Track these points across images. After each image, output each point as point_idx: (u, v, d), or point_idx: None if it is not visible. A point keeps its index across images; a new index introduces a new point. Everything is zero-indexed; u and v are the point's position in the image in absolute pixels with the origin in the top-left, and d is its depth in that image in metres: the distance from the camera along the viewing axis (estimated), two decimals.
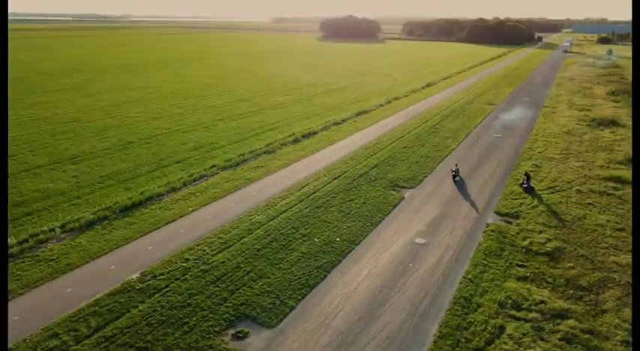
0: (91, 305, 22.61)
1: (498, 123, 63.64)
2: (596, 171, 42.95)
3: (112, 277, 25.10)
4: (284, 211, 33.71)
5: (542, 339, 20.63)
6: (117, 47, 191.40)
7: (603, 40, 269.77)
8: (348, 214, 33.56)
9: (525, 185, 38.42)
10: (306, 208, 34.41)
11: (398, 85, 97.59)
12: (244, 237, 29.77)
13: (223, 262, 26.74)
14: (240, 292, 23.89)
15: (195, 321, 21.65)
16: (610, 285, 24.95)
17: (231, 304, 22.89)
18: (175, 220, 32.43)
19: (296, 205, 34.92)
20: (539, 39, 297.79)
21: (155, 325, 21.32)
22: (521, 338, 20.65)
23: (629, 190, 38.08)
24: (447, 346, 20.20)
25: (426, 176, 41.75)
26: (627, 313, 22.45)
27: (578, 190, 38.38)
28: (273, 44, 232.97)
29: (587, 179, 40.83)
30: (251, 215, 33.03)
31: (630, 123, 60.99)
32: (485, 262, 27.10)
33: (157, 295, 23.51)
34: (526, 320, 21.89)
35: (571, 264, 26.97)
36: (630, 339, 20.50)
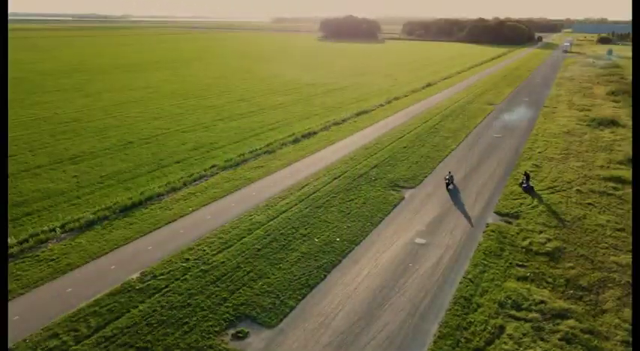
0: (91, 305, 22.61)
1: (498, 123, 63.63)
2: (596, 171, 42.94)
3: (112, 277, 25.10)
4: (284, 211, 33.71)
5: (542, 339, 20.63)
6: (117, 47, 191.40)
7: (603, 40, 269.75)
8: (348, 214, 33.56)
9: (525, 185, 38.42)
10: (306, 208, 34.41)
11: (398, 85, 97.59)
12: (244, 237, 29.77)
13: (223, 262, 26.74)
14: (240, 292, 23.90)
15: (195, 321, 21.65)
16: (610, 285, 24.95)
17: (231, 304, 22.90)
18: (175, 220, 32.43)
19: (296, 205, 34.92)
20: (539, 39, 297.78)
21: (155, 325, 21.32)
22: (521, 338, 20.65)
23: (629, 190, 38.08)
24: (447, 346, 20.20)
25: (426, 176, 41.75)
26: (627, 313, 22.45)
27: (578, 190, 38.37)
28: (273, 44, 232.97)
29: (587, 179, 40.83)
30: (251, 215, 33.03)
31: (630, 123, 60.98)
32: (486, 262, 27.10)
33: (157, 295, 23.51)
34: (526, 320, 21.90)
35: (571, 264, 26.97)
36: (630, 339, 20.50)
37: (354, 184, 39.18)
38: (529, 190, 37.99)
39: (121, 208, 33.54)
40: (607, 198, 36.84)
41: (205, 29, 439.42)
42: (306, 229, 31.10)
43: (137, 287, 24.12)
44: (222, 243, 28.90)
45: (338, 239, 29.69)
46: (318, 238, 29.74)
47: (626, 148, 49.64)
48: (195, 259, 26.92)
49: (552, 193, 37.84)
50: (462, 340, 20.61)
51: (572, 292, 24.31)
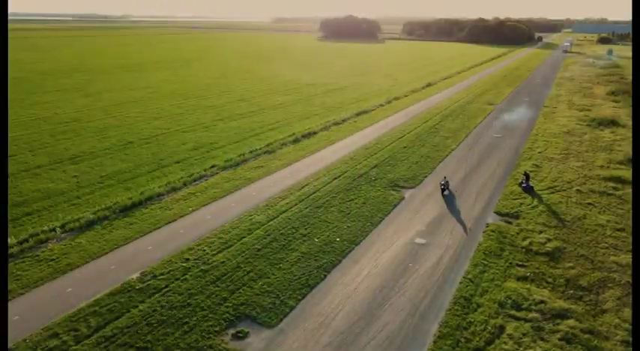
0: (91, 305, 22.61)
1: (498, 123, 63.63)
2: (596, 171, 42.94)
3: (112, 277, 25.10)
4: (284, 211, 33.71)
5: (542, 339, 20.64)
6: (117, 47, 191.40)
7: (603, 40, 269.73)
8: (348, 214, 33.56)
9: (524, 185, 38.43)
10: (306, 208, 34.41)
11: (398, 85, 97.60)
12: (244, 237, 29.77)
13: (223, 262, 26.74)
14: (240, 292, 23.90)
15: (195, 321, 21.65)
16: (610, 285, 24.95)
17: (231, 304, 22.90)
18: (175, 220, 32.44)
19: (296, 205, 34.92)
20: (539, 39, 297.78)
21: (155, 325, 21.33)
22: (521, 338, 20.65)
23: (629, 190, 38.07)
24: (447, 346, 20.20)
25: (426, 176, 41.75)
26: (627, 312, 22.45)
27: (578, 190, 38.37)
28: (273, 44, 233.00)
29: (587, 179, 40.83)
30: (251, 215, 33.03)
31: (630, 123, 60.97)
32: (486, 262, 27.10)
33: (157, 295, 23.52)
34: (526, 320, 21.90)
35: (571, 264, 26.97)
36: (630, 339, 20.50)
37: (354, 184, 39.19)
38: (529, 189, 37.99)
39: (121, 208, 33.54)
40: (607, 198, 36.85)
41: (205, 29, 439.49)
42: (306, 229, 31.10)
43: (137, 287, 24.12)
44: (222, 243, 28.90)
45: (338, 239, 29.70)
46: (318, 238, 29.74)
47: (626, 148, 49.64)
48: (195, 259, 26.92)
49: (552, 193, 37.84)
50: (462, 340, 20.61)
51: (572, 292, 24.31)
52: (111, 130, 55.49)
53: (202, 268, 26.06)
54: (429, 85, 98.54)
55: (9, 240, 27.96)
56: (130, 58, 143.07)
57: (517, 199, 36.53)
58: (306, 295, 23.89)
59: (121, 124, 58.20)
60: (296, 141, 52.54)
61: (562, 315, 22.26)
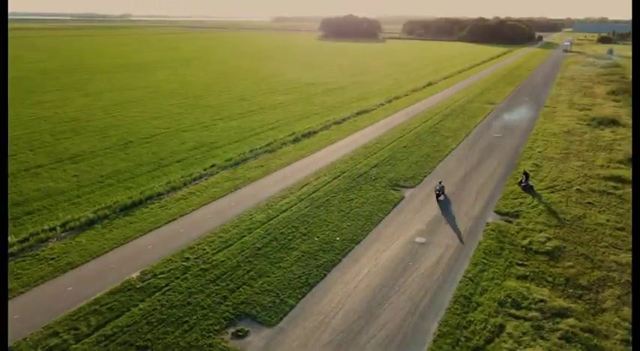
0: (92, 304, 22.64)
1: (499, 122, 63.63)
2: (596, 170, 42.95)
3: (113, 276, 25.13)
4: (284, 211, 33.73)
5: (541, 338, 20.66)
6: (116, 47, 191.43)
7: (604, 40, 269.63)
8: (348, 213, 33.58)
9: (524, 184, 38.47)
10: (307, 207, 34.43)
11: (398, 84, 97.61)
12: (244, 236, 29.80)
13: (223, 261, 26.77)
14: (240, 291, 23.93)
15: (196, 320, 21.68)
16: (610, 284, 24.97)
17: (231, 303, 22.92)
18: (175, 219, 32.47)
19: (296, 204, 34.95)
20: (540, 38, 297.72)
21: (155, 323, 21.35)
22: (520, 337, 20.68)
23: (629, 189, 38.09)
24: (447, 344, 20.23)
25: (426, 176, 41.76)
26: (627, 311, 22.47)
27: (578, 189, 38.39)
28: (273, 44, 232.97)
29: (587, 178, 40.84)
30: (251, 214, 33.06)
31: (630, 122, 60.96)
32: (485, 261, 27.12)
33: (157, 294, 23.55)
34: (526, 319, 21.92)
35: (571, 263, 26.99)
36: (630, 338, 20.53)
37: (354, 184, 39.21)
38: (528, 188, 38.02)
39: (121, 207, 33.57)
40: (607, 197, 36.86)
41: (205, 29, 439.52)
42: (306, 228, 31.12)
43: (137, 286, 24.15)
44: (223, 242, 28.93)
45: (338, 238, 29.72)
46: (318, 237, 29.77)
47: (627, 148, 49.63)
48: (195, 258, 26.96)
49: (552, 192, 37.86)
50: (462, 338, 20.63)
51: (571, 290, 24.34)
52: (111, 129, 55.53)
53: (202, 267, 26.09)
54: (429, 84, 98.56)
55: (9, 239, 27.98)
56: (130, 58, 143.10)
57: (517, 198, 36.55)
58: (306, 294, 23.92)
59: (121, 124, 58.23)
60: (296, 140, 52.55)
61: (562, 314, 22.28)
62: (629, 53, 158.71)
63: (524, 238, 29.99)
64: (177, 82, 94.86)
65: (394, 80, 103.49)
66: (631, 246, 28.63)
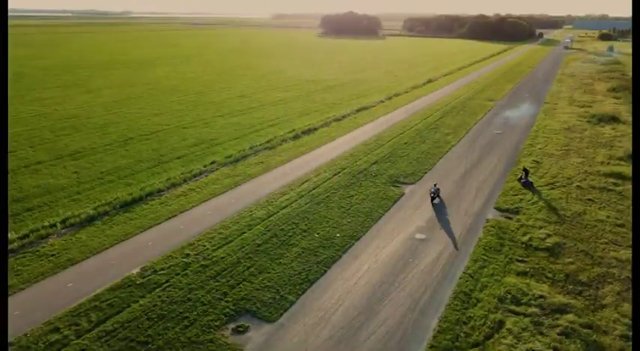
0: (92, 300, 22.67)
1: (499, 119, 63.58)
2: (596, 167, 42.94)
3: (113, 272, 25.15)
4: (284, 207, 33.74)
5: (541, 333, 20.68)
6: (117, 44, 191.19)
7: (604, 37, 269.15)
8: (349, 209, 33.59)
9: (524, 180, 38.49)
10: (307, 203, 34.44)
11: (398, 81, 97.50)
12: (244, 232, 29.81)
13: (224, 257, 26.79)
14: (240, 287, 23.95)
15: (196, 315, 21.71)
16: (609, 280, 25.00)
17: (231, 299, 22.95)
18: (176, 215, 32.49)
19: (296, 200, 34.95)
20: (540, 35, 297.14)
21: (156, 319, 21.39)
22: (520, 333, 20.70)
23: (629, 186, 38.07)
24: (447, 340, 20.25)
25: (426, 172, 41.76)
26: (626, 307, 22.50)
27: (578, 186, 38.39)
28: (274, 41, 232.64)
29: (588, 175, 40.83)
30: (251, 211, 33.07)
31: (631, 119, 60.90)
32: (485, 258, 27.14)
33: (157, 290, 23.57)
34: (525, 315, 21.94)
35: (571, 259, 27.01)
36: (629, 333, 20.56)
37: (354, 180, 39.21)
38: (528, 185, 38.04)
39: (122, 204, 33.59)
40: (607, 194, 36.87)
41: (205, 26, 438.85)
42: (306, 224, 31.14)
43: (138, 282, 24.18)
44: (223, 238, 28.94)
45: (338, 235, 29.74)
46: (318, 234, 29.79)
47: (627, 145, 49.60)
48: (195, 255, 26.98)
49: (552, 189, 37.85)
50: (462, 334, 20.66)
51: (571, 287, 24.36)
52: (111, 126, 55.50)
53: (203, 263, 26.11)
54: (429, 81, 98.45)
55: (9, 235, 28.00)
56: (130, 55, 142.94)
57: (517, 195, 36.56)
58: (306, 290, 23.95)
59: (121, 121, 58.20)
60: (296, 137, 52.53)
61: (561, 310, 22.31)
62: (630, 50, 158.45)
63: (524, 234, 30.01)
64: (178, 78, 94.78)
65: (394, 77, 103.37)
66: (631, 242, 28.65)
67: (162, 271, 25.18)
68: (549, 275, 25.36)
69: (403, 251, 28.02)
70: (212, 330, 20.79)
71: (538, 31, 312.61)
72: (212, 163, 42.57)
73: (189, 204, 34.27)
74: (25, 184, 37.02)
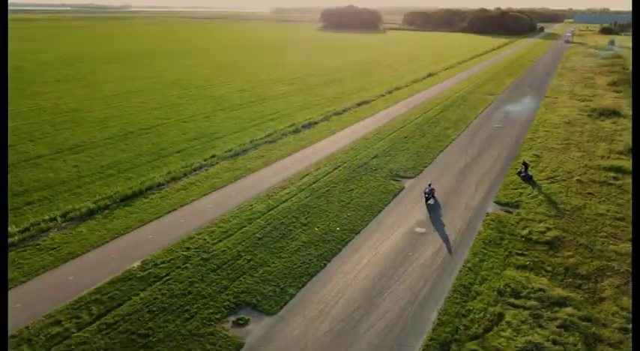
0: (93, 293, 22.75)
1: (499, 113, 63.48)
2: (596, 161, 42.92)
3: (113, 266, 25.22)
4: (284, 201, 33.77)
5: (540, 326, 20.76)
6: (117, 38, 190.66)
7: (605, 31, 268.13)
8: (349, 203, 33.62)
9: (523, 174, 38.50)
10: (307, 197, 34.47)
11: (399, 75, 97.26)
12: (245, 226, 29.86)
13: (224, 250, 26.85)
14: (240, 280, 24.03)
15: (196, 308, 21.80)
16: (609, 273, 25.06)
17: (231, 292, 23.03)
18: (176, 209, 32.53)
19: (296, 194, 34.98)
20: (541, 29, 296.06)
21: (156, 312, 21.48)
22: (519, 325, 20.78)
23: (629, 180, 38.09)
24: (446, 333, 20.34)
25: (426, 166, 41.76)
26: (625, 301, 22.57)
27: (578, 179, 38.39)
28: (274, 34, 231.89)
29: (588, 169, 40.82)
30: (251, 205, 33.10)
31: (631, 113, 60.79)
32: (485, 251, 27.19)
33: (157, 283, 23.65)
34: (525, 308, 22.02)
35: (570, 253, 27.06)
36: (628, 326, 20.64)
37: (354, 174, 39.22)
38: (528, 179, 38.06)
39: (122, 198, 33.63)
40: (607, 188, 36.88)
41: (205, 19, 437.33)
42: (306, 218, 31.18)
43: (138, 275, 24.25)
44: (223, 232, 29.00)
45: (338, 228, 29.79)
46: (318, 228, 29.83)
47: (627, 139, 49.55)
48: (195, 248, 27.04)
49: (552, 182, 37.86)
50: (461, 327, 20.75)
51: (571, 280, 24.43)
52: (111, 120, 55.45)
53: (203, 256, 26.18)
54: (429, 75, 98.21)
55: (10, 229, 28.05)
56: (130, 49, 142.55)
57: (517, 188, 36.57)
58: (306, 284, 24.02)
59: (121, 114, 58.14)
60: (296, 131, 52.49)
61: (561, 303, 22.38)
62: (631, 44, 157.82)
63: (524, 228, 30.04)
64: (178, 72, 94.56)
65: (394, 71, 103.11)
66: (630, 236, 28.70)
67: (162, 265, 25.25)
68: (549, 269, 25.42)
69: (403, 245, 28.08)
70: (212, 323, 20.89)
71: (539, 25, 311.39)
72: (212, 156, 42.57)
73: (189, 198, 34.30)
74: (26, 178, 37.05)
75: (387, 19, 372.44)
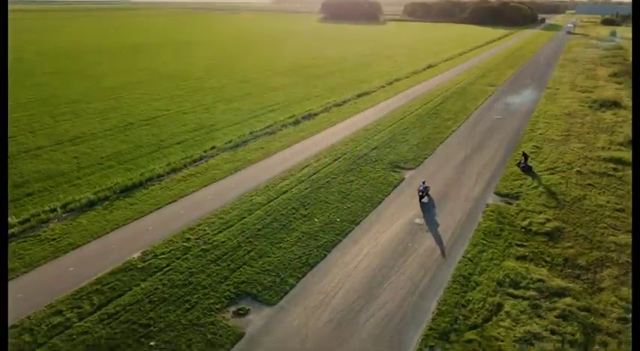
0: (94, 283, 22.84)
1: (500, 105, 63.31)
2: (596, 152, 42.89)
3: (114, 257, 25.29)
4: (284, 192, 33.79)
5: (539, 316, 20.87)
6: (117, 29, 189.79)
7: (607, 22, 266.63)
8: (349, 194, 33.64)
9: (523, 165, 38.50)
10: (307, 189, 34.48)
11: (399, 66, 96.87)
12: (245, 217, 29.90)
13: (224, 241, 26.92)
14: (240, 271, 24.11)
15: (197, 299, 21.89)
16: (608, 264, 25.14)
17: (232, 283, 23.12)
18: (176, 200, 32.56)
19: (296, 186, 34.99)
20: (542, 20, 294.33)
21: (157, 302, 21.58)
22: (518, 315, 20.89)
23: (629, 171, 38.08)
24: (446, 323, 20.45)
25: (426, 158, 41.73)
26: (624, 291, 22.66)
27: (578, 171, 38.38)
28: (274, 26, 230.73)
29: (588, 160, 40.80)
30: (251, 196, 33.12)
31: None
32: (485, 242, 27.25)
33: (158, 274, 23.73)
34: (524, 298, 22.11)
35: (570, 244, 27.12)
36: (626, 316, 20.75)
37: (354, 166, 39.20)
38: (527, 169, 38.06)
39: (122, 189, 33.65)
40: (607, 179, 36.88)
41: (205, 10, 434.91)
42: (306, 209, 31.22)
43: (139, 266, 24.33)
44: (223, 223, 29.04)
45: (338, 219, 29.83)
46: (318, 219, 29.88)
47: (628, 130, 49.47)
48: (195, 239, 27.10)
49: (552, 174, 37.85)
50: (460, 317, 20.85)
51: (570, 270, 24.51)
52: (111, 111, 55.34)
53: (203, 247, 26.25)
54: (430, 66, 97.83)
55: (10, 219, 28.10)
56: (130, 40, 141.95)
57: (517, 180, 36.57)
58: (306, 274, 24.11)
59: (120, 106, 58.02)
60: (296, 122, 52.40)
61: (560, 293, 22.47)
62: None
63: (524, 219, 30.08)
64: (178, 64, 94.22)
65: (395, 62, 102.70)
66: (630, 227, 28.76)
67: (163, 256, 25.33)
68: (548, 259, 25.49)
69: (403, 235, 28.14)
70: (213, 313, 20.99)
71: (540, 16, 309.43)
72: (212, 148, 42.53)
73: (189, 189, 34.33)
74: (26, 169, 37.05)
75: (388, 10, 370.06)
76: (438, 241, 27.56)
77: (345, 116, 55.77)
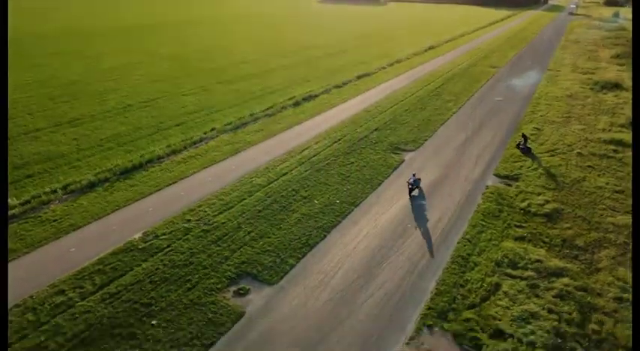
0: (95, 264, 23.03)
1: (501, 86, 62.94)
2: (597, 134, 42.80)
3: (115, 237, 25.46)
4: (284, 174, 33.83)
5: (536, 296, 21.10)
6: (115, 10, 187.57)
7: (610, 3, 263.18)
8: (348, 176, 33.69)
9: (522, 146, 38.47)
10: (307, 170, 34.51)
11: (400, 47, 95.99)
12: (245, 199, 30.00)
13: (224, 222, 27.06)
14: (241, 251, 24.29)
15: (198, 278, 22.11)
16: (606, 245, 25.31)
17: (232, 263, 23.31)
18: (176, 182, 32.62)
19: (296, 167, 35.01)
20: (545, 1, 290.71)
21: (158, 282, 21.79)
22: (516, 295, 21.12)
23: (629, 153, 38.06)
24: (444, 302, 20.68)
25: (426, 139, 41.65)
26: (621, 271, 22.86)
27: (578, 153, 38.36)
28: (273, 7, 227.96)
29: (588, 142, 40.75)
30: (251, 178, 33.17)
31: None
32: (484, 223, 27.39)
33: (159, 254, 23.92)
34: (522, 278, 22.32)
35: (568, 225, 27.27)
36: (622, 295, 20.97)
37: (354, 147, 39.17)
38: (526, 151, 38.06)
39: (122, 171, 33.68)
40: (607, 161, 36.88)
41: None
42: (306, 191, 31.30)
43: (140, 247, 24.51)
44: (223, 204, 29.16)
45: (338, 201, 29.93)
46: (318, 200, 29.98)
47: (629, 112, 49.29)
48: (196, 220, 27.24)
49: (553, 155, 37.85)
50: (459, 296, 21.08)
51: (568, 251, 24.69)
52: (110, 93, 55.05)
53: (204, 228, 26.40)
54: (431, 48, 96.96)
55: (10, 201, 28.19)
56: (129, 21, 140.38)
57: (517, 161, 36.58)
58: (306, 254, 24.30)
59: (120, 87, 57.69)
60: (296, 104, 52.17)
61: (557, 273, 22.67)
62: None
63: (523, 200, 30.19)
64: (178, 45, 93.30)
65: (396, 44, 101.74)
66: (629, 209, 28.88)
67: (163, 236, 25.49)
68: (546, 240, 25.66)
69: (402, 217, 28.26)
70: (214, 292, 21.23)
71: None
72: (212, 130, 42.44)
73: (189, 170, 34.37)
74: (25, 150, 37.04)
75: None
76: (438, 221, 27.65)
77: (345, 98, 55.50)
